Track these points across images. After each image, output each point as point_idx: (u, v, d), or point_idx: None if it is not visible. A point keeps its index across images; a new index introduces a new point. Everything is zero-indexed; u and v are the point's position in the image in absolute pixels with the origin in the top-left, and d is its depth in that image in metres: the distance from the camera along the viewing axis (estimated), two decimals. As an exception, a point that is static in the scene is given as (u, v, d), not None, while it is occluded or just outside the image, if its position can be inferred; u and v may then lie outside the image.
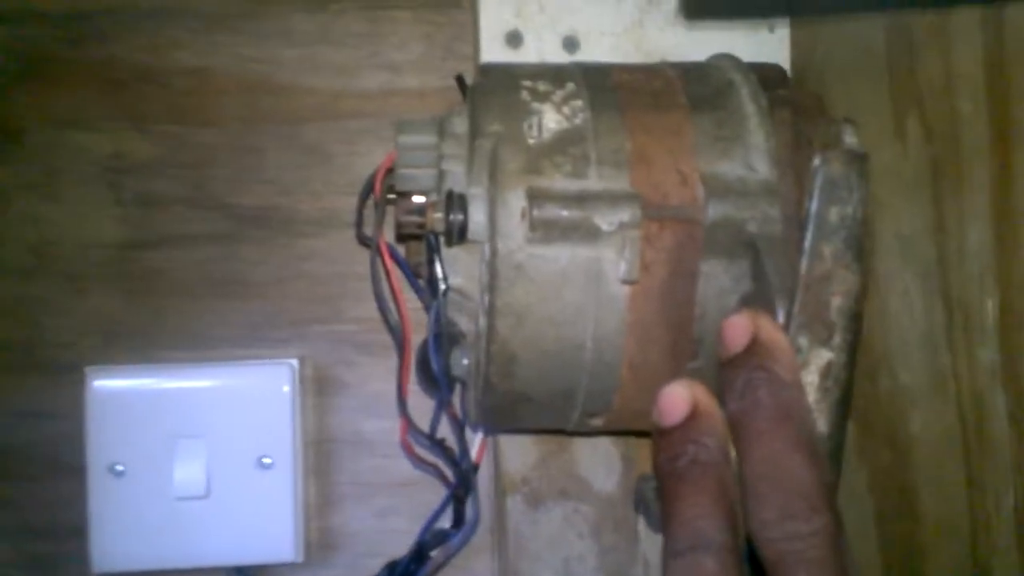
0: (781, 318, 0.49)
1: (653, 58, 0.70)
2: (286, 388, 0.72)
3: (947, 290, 0.51)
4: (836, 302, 0.47)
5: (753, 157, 0.55)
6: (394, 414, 0.64)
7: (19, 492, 0.74)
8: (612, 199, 0.53)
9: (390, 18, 0.76)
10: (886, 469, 0.58)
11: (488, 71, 0.61)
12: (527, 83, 0.58)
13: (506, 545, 0.68)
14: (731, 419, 0.40)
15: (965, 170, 0.49)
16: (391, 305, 0.64)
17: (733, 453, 0.40)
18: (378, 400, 0.75)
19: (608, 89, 0.57)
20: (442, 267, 0.57)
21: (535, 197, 0.53)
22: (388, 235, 0.64)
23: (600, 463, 0.69)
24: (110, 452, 0.71)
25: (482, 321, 0.55)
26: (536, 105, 0.56)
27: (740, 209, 0.53)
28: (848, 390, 0.48)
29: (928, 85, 0.52)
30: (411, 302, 0.65)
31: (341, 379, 0.76)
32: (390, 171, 0.61)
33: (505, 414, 0.59)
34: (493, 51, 0.70)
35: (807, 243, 0.47)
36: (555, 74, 0.59)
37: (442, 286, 0.57)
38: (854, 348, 0.47)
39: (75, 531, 0.72)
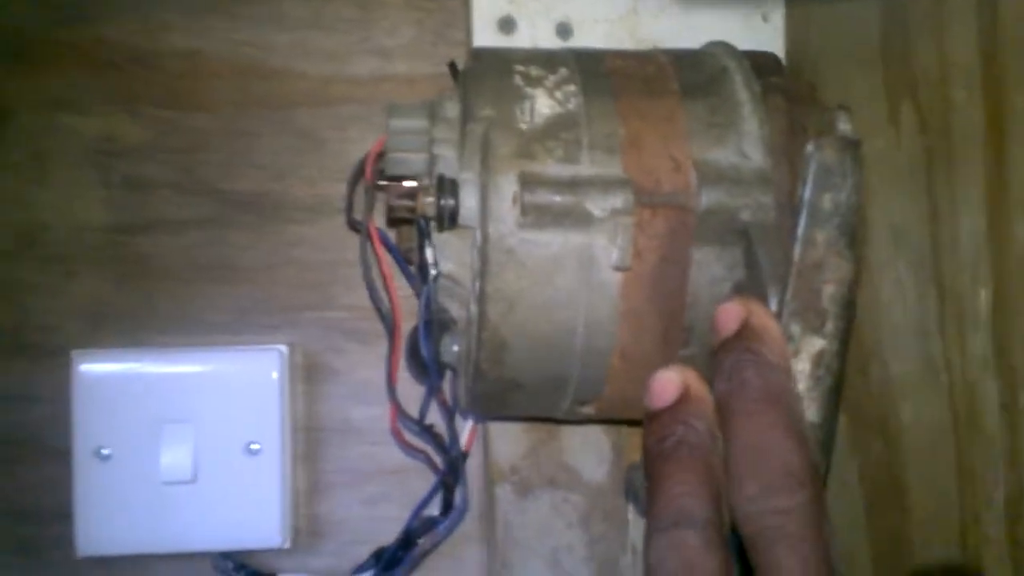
0: (773, 306, 0.48)
1: (647, 46, 0.69)
2: (275, 374, 0.72)
3: (940, 279, 0.51)
4: (829, 290, 0.46)
5: (746, 144, 0.54)
6: (383, 402, 0.64)
7: (4, 475, 0.74)
8: (604, 185, 0.52)
9: (381, 3, 0.76)
10: (877, 460, 0.57)
11: (480, 55, 0.60)
12: (520, 68, 0.57)
13: (495, 534, 0.68)
14: (718, 400, 0.41)
15: (959, 158, 0.49)
16: (381, 291, 0.64)
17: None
18: (368, 387, 0.75)
19: (601, 75, 0.57)
20: (433, 253, 0.57)
21: (527, 182, 0.52)
22: (379, 221, 0.63)
23: (590, 452, 0.69)
24: (96, 436, 0.70)
25: (473, 307, 0.55)
26: (529, 90, 0.56)
27: (733, 196, 0.53)
28: (840, 379, 0.47)
29: (922, 73, 0.52)
30: (402, 289, 0.65)
31: (331, 366, 0.76)
32: (381, 155, 0.60)
33: (495, 401, 0.59)
34: (486, 37, 0.70)
35: (800, 230, 0.47)
36: (548, 59, 0.58)
37: (433, 272, 0.57)
38: (847, 336, 0.47)
39: (61, 515, 0.71)
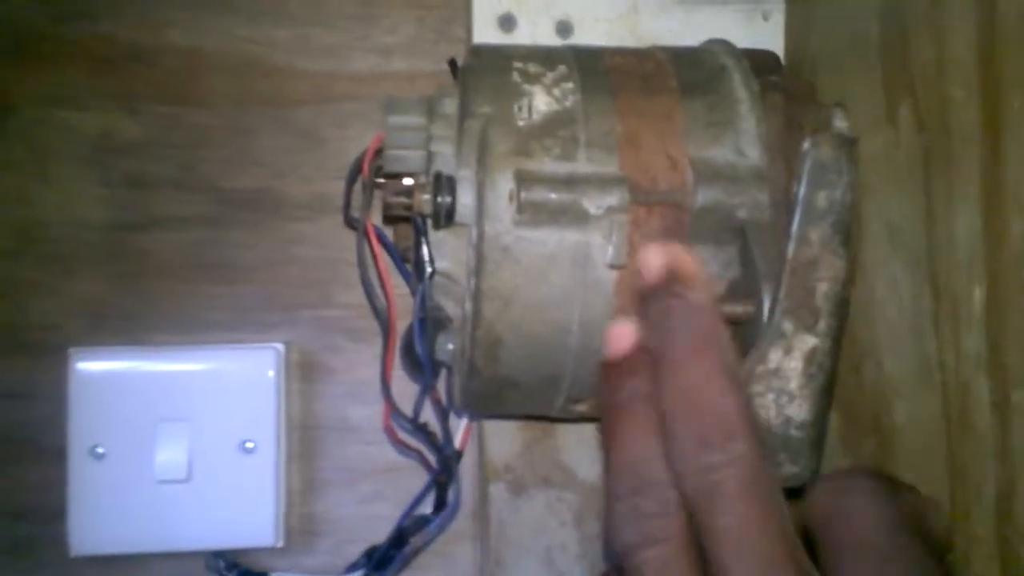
0: (767, 304, 0.48)
1: (646, 43, 0.69)
2: (271, 373, 0.72)
3: (935, 278, 0.50)
4: (822, 287, 0.47)
5: (744, 142, 0.54)
6: (380, 400, 0.64)
7: (1, 474, 0.74)
8: (601, 183, 0.52)
9: (382, 0, 0.76)
10: (870, 458, 0.57)
11: (479, 52, 0.60)
12: (518, 65, 0.57)
13: (488, 532, 0.68)
14: (653, 353, 0.38)
15: (956, 157, 0.49)
16: (378, 289, 0.64)
17: None
18: (364, 386, 0.75)
19: (600, 72, 0.57)
20: (429, 250, 0.57)
21: (523, 180, 0.52)
22: (376, 218, 0.63)
23: (585, 451, 0.69)
24: (92, 434, 0.70)
25: (468, 305, 0.54)
26: (527, 87, 0.56)
27: (729, 195, 0.53)
28: (832, 377, 0.47)
29: (920, 72, 0.52)
30: (399, 287, 0.64)
31: (327, 365, 0.75)
32: (379, 152, 0.60)
33: (490, 399, 0.59)
34: (486, 34, 0.70)
35: (794, 228, 0.47)
36: (546, 56, 0.58)
37: (428, 269, 0.57)
38: (839, 334, 0.47)
39: (57, 514, 0.71)
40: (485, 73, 0.57)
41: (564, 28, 0.70)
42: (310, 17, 0.75)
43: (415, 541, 0.65)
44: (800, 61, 0.67)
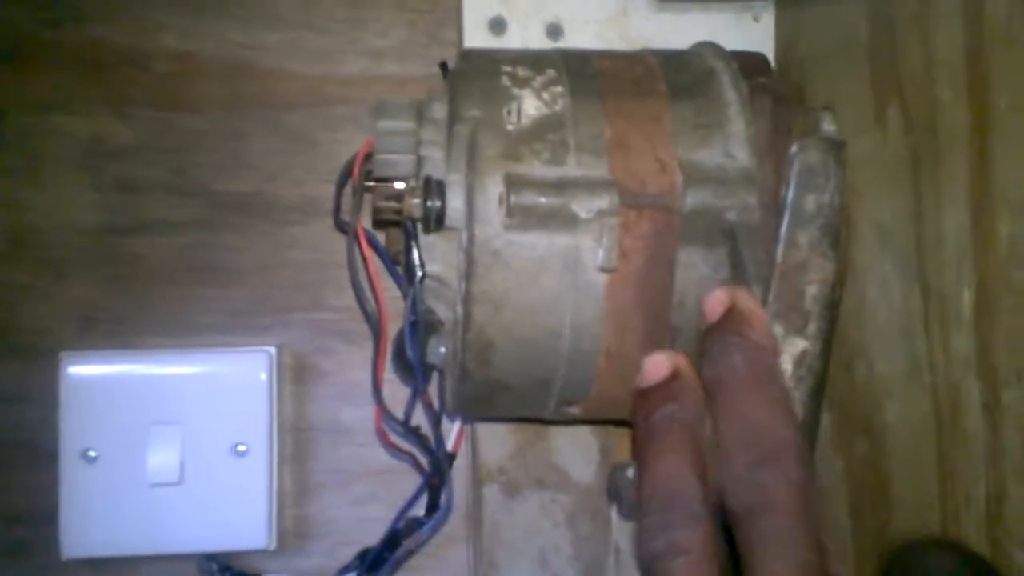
0: (757, 306, 0.48)
1: (636, 46, 0.69)
2: (263, 375, 0.72)
3: (924, 279, 0.50)
4: (811, 290, 0.47)
5: (732, 145, 0.54)
6: (372, 403, 0.64)
7: (-6, 477, 0.74)
8: (590, 186, 0.52)
9: (373, 3, 0.76)
10: (861, 459, 0.57)
11: (468, 56, 0.60)
12: (507, 68, 0.57)
13: (481, 534, 0.68)
14: (707, 382, 0.42)
15: (944, 158, 0.49)
16: (368, 292, 0.64)
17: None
18: (356, 389, 0.75)
19: (588, 75, 0.57)
20: (419, 254, 0.57)
21: (513, 183, 0.52)
22: (367, 221, 0.63)
23: (578, 453, 0.69)
24: (83, 438, 0.70)
25: (459, 308, 0.55)
26: (516, 91, 0.56)
27: (719, 197, 0.53)
28: (822, 379, 0.47)
29: (909, 73, 0.52)
30: (390, 291, 0.64)
31: (320, 367, 0.76)
32: (368, 156, 0.60)
33: (482, 402, 0.59)
34: (477, 38, 0.70)
35: (783, 231, 0.47)
36: (535, 60, 0.58)
37: (419, 273, 0.57)
38: (829, 337, 0.47)
39: (50, 517, 0.71)
40: (474, 77, 0.57)
41: (554, 30, 0.70)
42: (301, 21, 0.75)
43: (408, 543, 0.65)
44: (789, 63, 0.67)
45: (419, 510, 0.66)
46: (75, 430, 0.70)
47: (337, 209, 0.64)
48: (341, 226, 0.65)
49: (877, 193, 0.55)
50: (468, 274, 0.53)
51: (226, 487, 0.71)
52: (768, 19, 0.70)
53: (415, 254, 0.57)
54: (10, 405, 0.73)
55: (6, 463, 0.73)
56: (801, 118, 0.51)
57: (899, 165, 0.53)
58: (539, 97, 0.56)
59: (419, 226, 0.56)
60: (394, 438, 0.65)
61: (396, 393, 0.64)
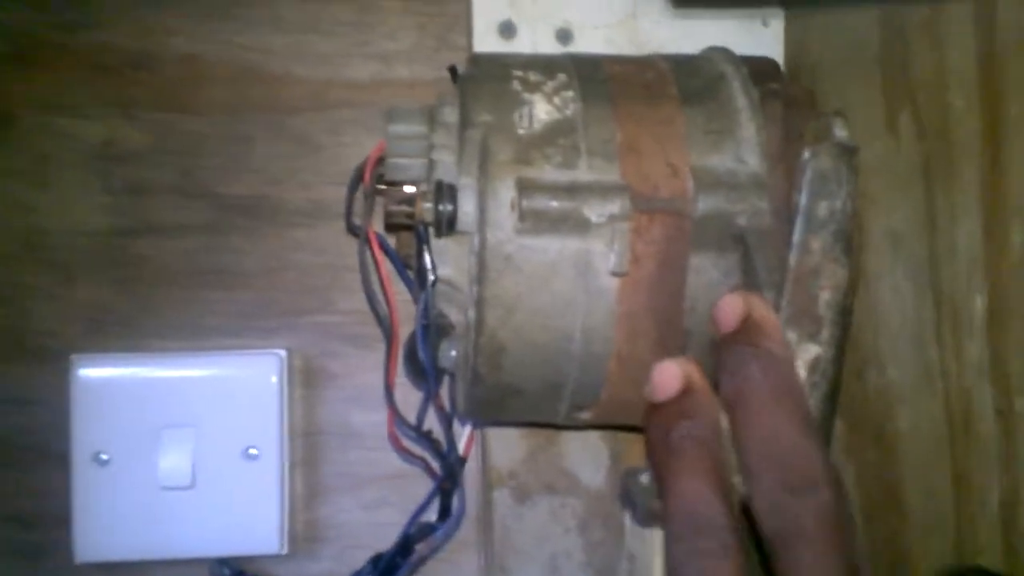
0: (769, 312, 0.48)
1: (646, 51, 0.69)
2: (274, 379, 0.72)
3: (937, 286, 0.50)
4: (824, 296, 0.47)
5: (744, 150, 0.54)
6: (382, 406, 0.64)
7: (4, 480, 0.74)
8: (602, 191, 0.52)
9: (380, 7, 0.76)
10: (873, 466, 0.57)
11: (479, 61, 0.60)
12: (518, 73, 0.57)
13: (492, 540, 0.68)
14: (725, 397, 0.41)
15: (956, 165, 0.49)
16: (380, 296, 0.64)
17: (724, 424, 0.41)
18: (367, 392, 0.75)
19: (599, 80, 0.57)
20: (431, 258, 0.57)
21: (525, 188, 0.52)
22: (378, 225, 0.63)
23: (588, 458, 0.69)
24: (95, 441, 0.70)
25: (471, 312, 0.55)
26: (527, 95, 0.56)
27: (730, 202, 0.53)
28: (836, 385, 0.47)
29: (921, 80, 0.52)
30: (401, 294, 0.65)
31: (329, 370, 0.76)
32: (380, 160, 0.60)
33: (493, 406, 0.59)
34: (486, 42, 0.70)
35: (796, 237, 0.47)
36: (546, 65, 0.58)
37: (431, 277, 0.57)
38: (842, 343, 0.47)
39: (62, 520, 0.71)
40: (485, 82, 0.57)
41: (564, 35, 0.70)
42: (307, 24, 0.75)
43: (421, 548, 0.65)
44: (799, 69, 0.67)
45: (430, 515, 0.66)
46: (87, 433, 0.71)
47: (349, 213, 0.64)
48: (353, 229, 0.65)
49: (889, 200, 0.55)
50: (480, 278, 0.53)
51: (238, 491, 0.71)
52: (778, 24, 0.70)
53: (427, 258, 0.57)
54: (21, 407, 0.74)
55: (17, 466, 0.74)
56: (813, 123, 0.51)
57: (911, 172, 0.53)
58: (550, 102, 0.56)
59: (431, 230, 0.56)
60: (406, 442, 0.65)
61: (407, 397, 0.64)
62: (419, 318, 0.58)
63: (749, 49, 0.61)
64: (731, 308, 0.43)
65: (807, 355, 0.46)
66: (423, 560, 0.69)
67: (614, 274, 0.53)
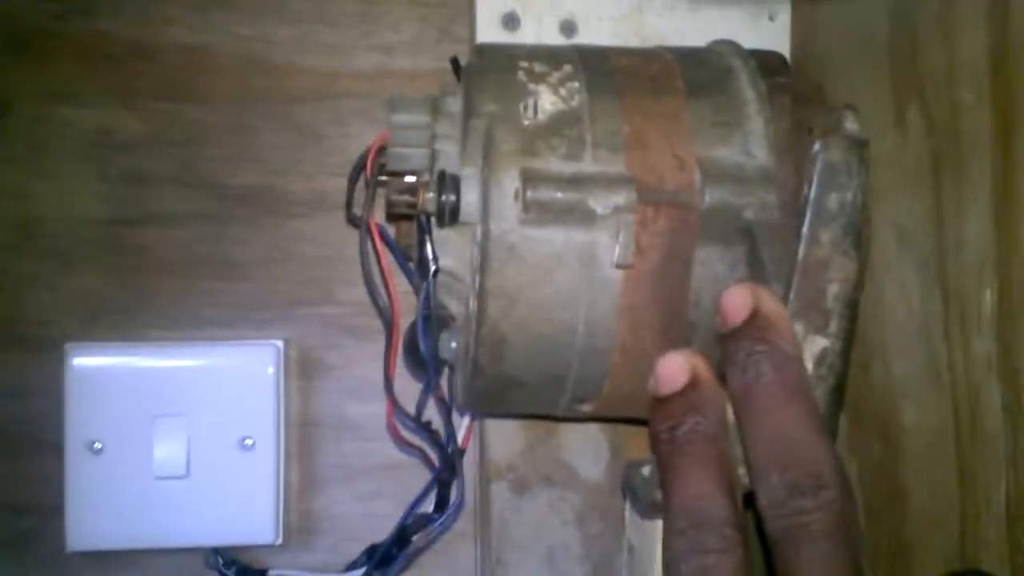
0: (776, 306, 0.48)
1: (651, 43, 0.69)
2: (270, 369, 0.72)
3: (944, 280, 0.50)
4: (833, 289, 0.46)
5: (751, 143, 0.54)
6: (379, 398, 0.64)
7: (-1, 468, 0.73)
8: (607, 182, 0.52)
9: (385, -1, 0.76)
10: (876, 462, 0.57)
11: (484, 51, 0.60)
12: (523, 64, 0.57)
13: (489, 532, 0.68)
14: (734, 394, 0.41)
15: (966, 160, 0.49)
16: (380, 287, 0.63)
17: (730, 418, 0.40)
18: (363, 384, 0.75)
19: (606, 72, 0.57)
20: (432, 248, 0.56)
21: (529, 178, 0.52)
22: (379, 216, 0.63)
23: (588, 450, 0.68)
24: (89, 430, 0.70)
25: (472, 303, 0.54)
26: (532, 86, 0.56)
27: (737, 195, 0.52)
28: (843, 379, 0.47)
29: (930, 74, 0.52)
30: (401, 286, 0.64)
31: (327, 362, 0.75)
32: (382, 150, 0.60)
33: (493, 398, 0.58)
34: (489, 33, 0.69)
35: (805, 229, 0.47)
36: (552, 55, 0.58)
37: (432, 267, 0.57)
38: (850, 336, 0.47)
39: (55, 509, 0.71)
40: (490, 72, 0.57)
41: (568, 27, 0.70)
42: (312, 15, 0.75)
43: (417, 540, 0.65)
44: (806, 62, 0.67)
45: (427, 506, 0.66)
46: (80, 422, 0.70)
47: (349, 203, 0.63)
48: (353, 220, 0.64)
49: (896, 195, 0.55)
50: (482, 268, 0.53)
51: (232, 481, 0.71)
52: (784, 17, 0.70)
53: (428, 248, 0.56)
54: (15, 396, 0.73)
55: (11, 454, 0.73)
56: (823, 117, 0.51)
57: (919, 168, 0.53)
58: (556, 93, 0.55)
59: (433, 220, 0.56)
60: (405, 433, 0.65)
61: (406, 388, 0.63)
62: (420, 308, 0.58)
63: (754, 42, 0.61)
64: (739, 300, 0.42)
65: (814, 348, 0.46)
66: (419, 552, 0.69)
67: (619, 266, 0.52)
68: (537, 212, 0.52)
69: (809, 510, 0.37)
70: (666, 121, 0.55)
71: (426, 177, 0.58)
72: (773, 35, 0.70)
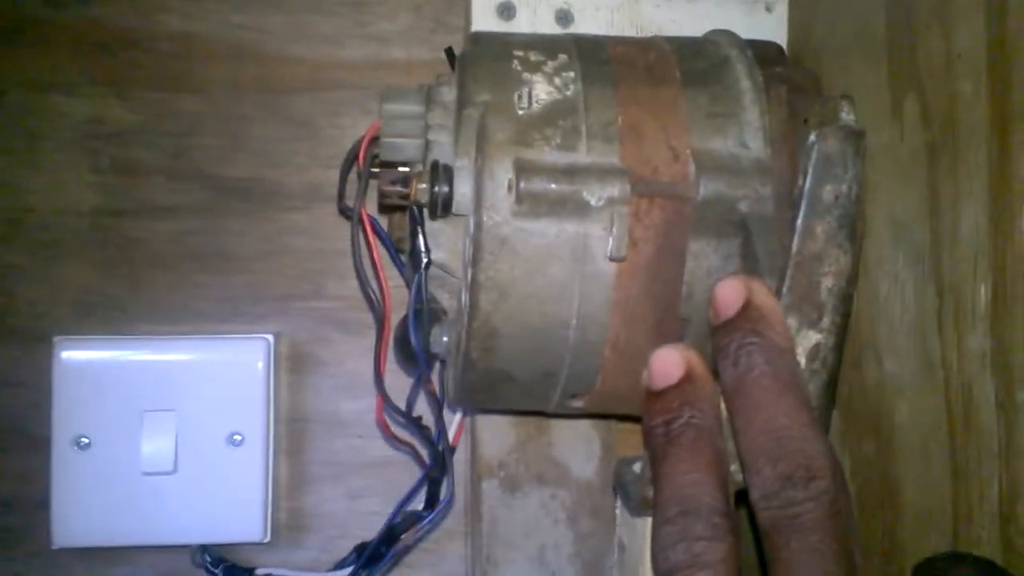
0: (770, 299, 0.47)
1: (647, 34, 0.69)
2: (260, 364, 0.71)
3: (939, 275, 0.50)
4: (827, 283, 0.46)
5: (747, 134, 0.54)
6: (370, 394, 0.63)
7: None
8: (601, 173, 0.51)
9: (379, -12, 0.75)
10: (869, 459, 0.57)
11: (479, 39, 0.59)
12: (519, 53, 0.56)
13: (480, 530, 0.67)
14: (726, 386, 0.40)
15: (962, 152, 0.48)
16: (371, 279, 0.63)
17: (723, 413, 0.40)
18: (355, 379, 0.74)
19: (601, 61, 0.56)
20: (425, 240, 0.56)
21: (523, 169, 0.51)
22: (371, 208, 0.62)
23: (579, 448, 0.68)
24: (76, 424, 0.69)
25: (464, 296, 0.54)
26: (527, 75, 0.55)
27: (732, 187, 0.52)
28: (835, 374, 0.46)
29: (928, 66, 0.51)
30: (393, 279, 0.63)
31: (318, 356, 0.75)
32: (375, 140, 0.59)
33: (485, 393, 0.58)
34: (485, 23, 0.69)
35: (799, 221, 0.46)
36: (548, 44, 0.57)
37: (424, 259, 0.56)
38: (843, 331, 0.46)
39: (41, 504, 0.70)
40: (485, 61, 0.56)
41: (564, 16, 0.69)
42: (305, 4, 0.74)
43: (406, 538, 0.64)
44: (803, 53, 0.66)
45: (416, 504, 0.65)
46: (68, 416, 0.70)
47: (341, 194, 0.63)
48: (345, 211, 0.64)
49: (891, 187, 0.54)
50: (475, 261, 0.52)
51: (221, 477, 0.70)
52: (781, 8, 0.69)
53: (421, 240, 0.56)
54: (2, 389, 0.73)
55: (-1, 448, 0.73)
56: (819, 107, 0.50)
57: (915, 159, 0.52)
58: (551, 82, 0.55)
59: (425, 212, 0.55)
60: (395, 429, 0.64)
61: (396, 383, 0.63)
62: (412, 302, 0.57)
63: (751, 33, 0.61)
64: (731, 292, 0.41)
65: (807, 343, 0.45)
66: (408, 549, 0.68)
67: (612, 259, 0.52)
68: (530, 204, 0.51)
69: (800, 501, 0.37)
70: (662, 111, 0.54)
71: (419, 168, 0.57)
72: (770, 25, 0.69)
